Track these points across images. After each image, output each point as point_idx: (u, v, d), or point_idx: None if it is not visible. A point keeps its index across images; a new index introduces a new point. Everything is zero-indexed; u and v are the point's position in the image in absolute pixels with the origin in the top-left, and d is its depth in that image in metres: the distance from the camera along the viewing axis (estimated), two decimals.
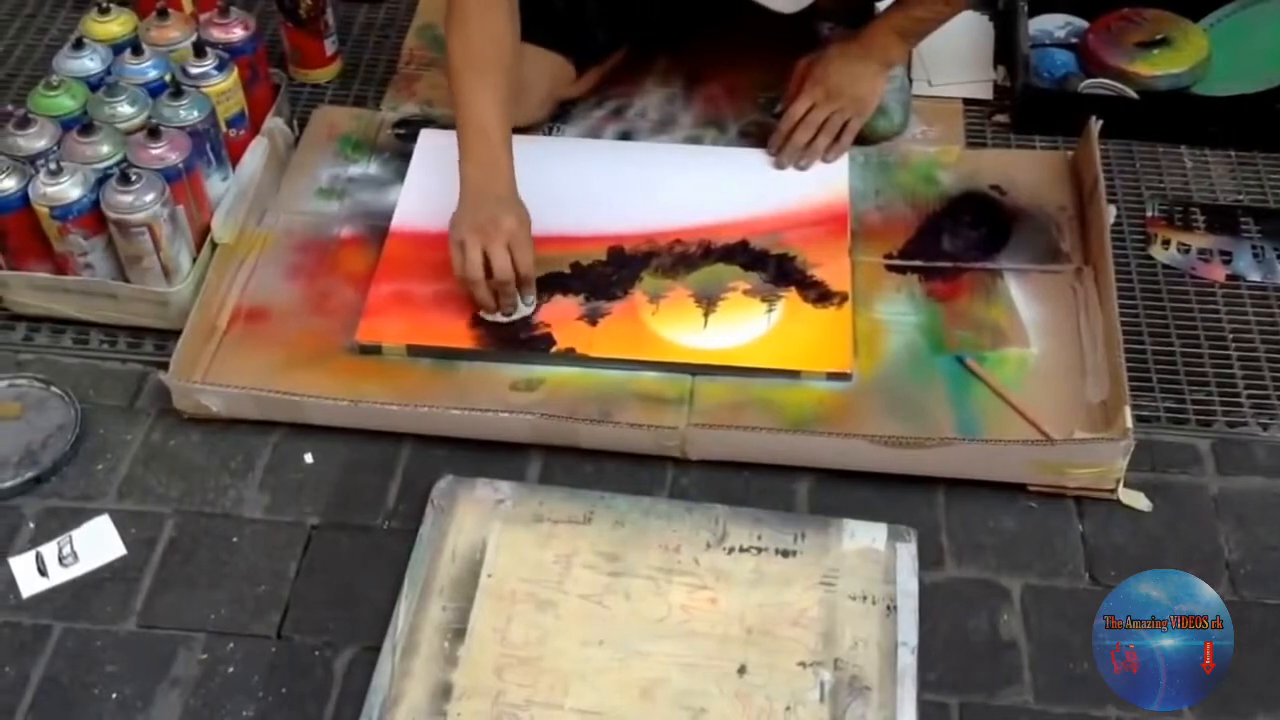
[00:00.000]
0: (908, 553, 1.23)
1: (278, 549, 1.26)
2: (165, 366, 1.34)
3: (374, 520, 1.28)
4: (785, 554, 1.23)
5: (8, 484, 1.29)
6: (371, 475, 1.32)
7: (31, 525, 1.28)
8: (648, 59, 1.76)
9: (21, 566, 1.24)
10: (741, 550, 1.24)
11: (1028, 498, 1.29)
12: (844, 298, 1.43)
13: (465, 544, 1.24)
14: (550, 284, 1.45)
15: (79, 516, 1.28)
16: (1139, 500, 1.28)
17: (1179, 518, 1.28)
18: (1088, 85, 1.69)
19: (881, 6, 1.66)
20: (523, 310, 1.41)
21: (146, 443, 1.35)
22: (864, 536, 1.24)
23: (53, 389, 1.38)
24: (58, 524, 1.27)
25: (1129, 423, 1.25)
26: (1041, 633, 1.19)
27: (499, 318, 1.40)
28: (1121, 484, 1.28)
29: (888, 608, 1.19)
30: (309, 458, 1.33)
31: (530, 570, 1.22)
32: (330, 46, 1.75)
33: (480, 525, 1.25)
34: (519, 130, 1.58)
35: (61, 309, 1.44)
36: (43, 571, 1.23)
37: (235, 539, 1.27)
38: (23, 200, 1.35)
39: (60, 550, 1.25)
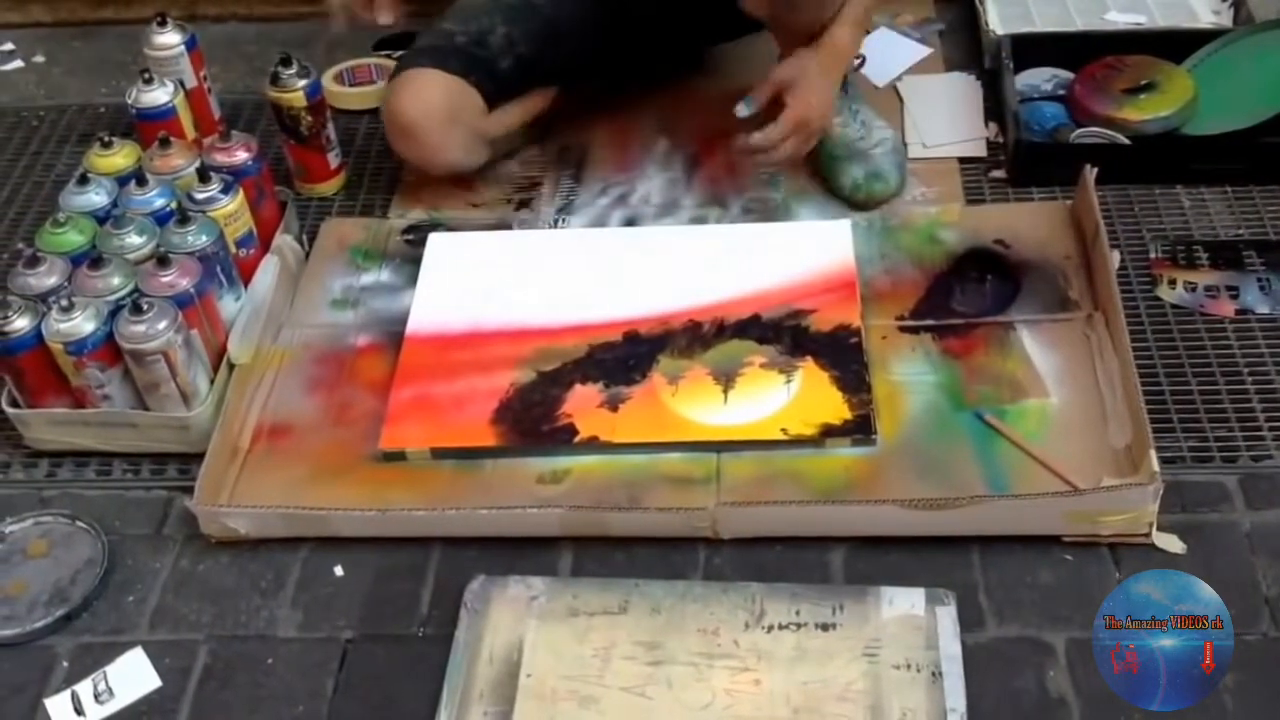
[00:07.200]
0: (948, 616, 1.21)
1: (313, 667, 1.25)
2: (190, 491, 1.34)
3: (409, 628, 1.27)
4: (825, 628, 1.22)
5: (39, 624, 1.29)
6: (403, 582, 1.31)
7: (65, 664, 1.27)
8: (646, 141, 1.79)
9: (58, 707, 1.23)
10: (781, 628, 1.22)
11: (1062, 549, 1.28)
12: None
13: (502, 645, 1.23)
14: (569, 373, 1.45)
15: (112, 651, 1.27)
16: (1173, 543, 1.27)
17: (1214, 556, 1.26)
18: (1079, 135, 1.70)
19: None
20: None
21: (175, 570, 1.34)
22: (903, 603, 1.23)
23: (78, 523, 1.38)
24: (91, 660, 1.26)
25: (1155, 466, 1.24)
26: (1090, 687, 1.17)
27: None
28: (1154, 528, 1.27)
29: (933, 674, 1.17)
30: (339, 570, 1.33)
31: (569, 666, 1.20)
32: (334, 160, 1.78)
33: (515, 624, 1.24)
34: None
35: (83, 442, 1.45)
36: (79, 710, 1.22)
37: (270, 660, 1.25)
38: (36, 339, 1.36)
39: (95, 687, 1.24)
